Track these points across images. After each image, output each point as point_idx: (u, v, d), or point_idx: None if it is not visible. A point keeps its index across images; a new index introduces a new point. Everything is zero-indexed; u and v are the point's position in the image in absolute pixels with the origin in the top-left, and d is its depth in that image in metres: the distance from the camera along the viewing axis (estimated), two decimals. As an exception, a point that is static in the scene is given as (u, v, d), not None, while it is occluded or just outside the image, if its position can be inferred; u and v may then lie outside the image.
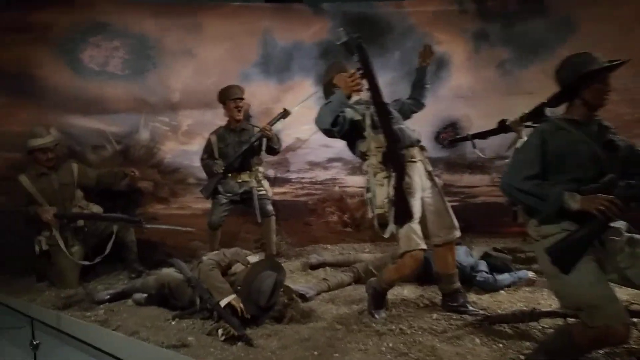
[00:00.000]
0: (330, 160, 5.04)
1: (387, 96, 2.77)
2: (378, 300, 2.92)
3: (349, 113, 2.76)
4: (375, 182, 2.69)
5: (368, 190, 2.74)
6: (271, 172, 4.83)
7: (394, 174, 2.60)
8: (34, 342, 2.74)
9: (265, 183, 4.42)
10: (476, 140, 4.11)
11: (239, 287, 2.99)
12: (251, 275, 2.88)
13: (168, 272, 3.32)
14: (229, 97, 4.25)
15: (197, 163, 4.77)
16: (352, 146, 2.90)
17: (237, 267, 3.09)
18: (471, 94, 4.89)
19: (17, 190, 4.09)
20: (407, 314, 2.96)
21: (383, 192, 2.65)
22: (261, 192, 4.31)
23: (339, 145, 5.06)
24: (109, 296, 3.58)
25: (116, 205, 4.52)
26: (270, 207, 4.35)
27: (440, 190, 2.84)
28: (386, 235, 2.60)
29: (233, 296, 2.89)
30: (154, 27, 4.76)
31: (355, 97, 2.88)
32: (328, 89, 3.03)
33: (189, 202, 4.89)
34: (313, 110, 4.87)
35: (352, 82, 2.54)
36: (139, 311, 3.34)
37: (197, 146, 4.80)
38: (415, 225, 2.62)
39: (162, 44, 4.79)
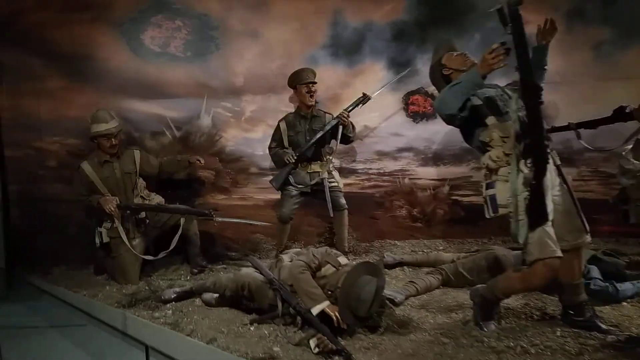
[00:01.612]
0: (401, 150, 4.66)
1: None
2: (488, 310, 2.59)
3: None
4: (498, 178, 2.32)
5: (488, 186, 2.38)
6: (336, 162, 4.48)
7: (525, 169, 2.22)
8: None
9: (336, 174, 4.11)
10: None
11: (329, 292, 2.68)
12: (349, 281, 2.56)
13: (247, 272, 3.03)
14: (300, 80, 3.95)
15: (259, 151, 4.51)
16: (468, 136, 2.52)
17: (327, 270, 2.77)
18: (559, 79, 4.40)
19: (77, 179, 3.88)
20: (521, 327, 2.60)
21: (507, 189, 2.29)
22: (333, 184, 4.00)
23: (410, 134, 4.76)
24: (175, 295, 3.35)
25: (176, 196, 4.28)
26: (342, 200, 4.02)
27: (570, 187, 2.45)
28: (521, 241, 2.23)
29: (327, 303, 2.58)
30: (217, 6, 4.43)
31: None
32: (436, 70, 2.67)
33: (251, 192, 4.60)
34: (383, 96, 4.56)
35: (493, 59, 2.15)
36: (210, 313, 3.09)
37: (260, 134, 4.52)
38: (549, 229, 2.24)
39: (225, 24, 4.45)
